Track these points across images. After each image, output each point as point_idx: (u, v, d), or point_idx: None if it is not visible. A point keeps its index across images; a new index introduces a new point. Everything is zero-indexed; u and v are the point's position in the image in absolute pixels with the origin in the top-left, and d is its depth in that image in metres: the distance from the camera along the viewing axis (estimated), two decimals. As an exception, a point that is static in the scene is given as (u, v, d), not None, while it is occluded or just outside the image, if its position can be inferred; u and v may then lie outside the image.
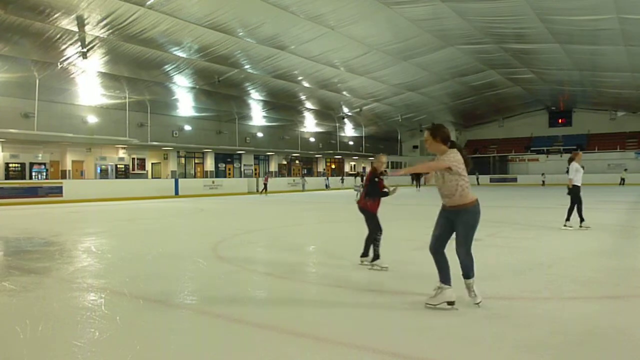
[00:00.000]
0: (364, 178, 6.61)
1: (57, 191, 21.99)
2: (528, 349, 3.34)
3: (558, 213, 14.57)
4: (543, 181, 38.90)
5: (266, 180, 31.11)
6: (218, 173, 35.81)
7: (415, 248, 7.73)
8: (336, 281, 5.59)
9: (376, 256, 6.13)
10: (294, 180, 36.54)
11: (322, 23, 22.33)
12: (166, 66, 25.09)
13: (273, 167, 41.25)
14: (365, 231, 6.30)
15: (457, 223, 4.25)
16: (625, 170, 37.70)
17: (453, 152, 4.22)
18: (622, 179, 36.60)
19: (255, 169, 40.11)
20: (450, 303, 4.21)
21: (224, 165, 37.24)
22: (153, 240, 9.64)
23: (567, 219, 10.11)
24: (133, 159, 30.10)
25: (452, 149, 4.26)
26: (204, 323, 4.08)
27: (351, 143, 45.92)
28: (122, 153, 29.67)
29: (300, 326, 3.93)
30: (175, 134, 31.11)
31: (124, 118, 26.68)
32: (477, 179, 44.11)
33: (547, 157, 46.57)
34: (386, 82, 32.85)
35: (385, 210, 6.98)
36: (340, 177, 41.82)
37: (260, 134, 37.64)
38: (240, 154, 37.98)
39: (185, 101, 30.51)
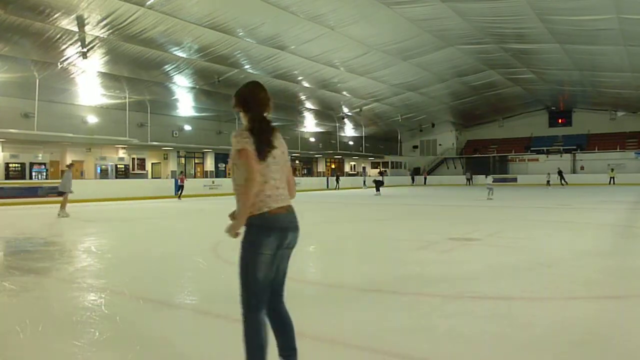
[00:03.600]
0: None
1: (57, 191, 21.94)
2: (528, 349, 3.34)
3: (558, 213, 14.61)
4: (548, 181, 38.68)
5: (182, 181, 25.43)
6: (218, 173, 35.78)
7: (415, 248, 7.72)
8: (336, 281, 5.59)
9: None
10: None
11: (322, 23, 22.32)
12: (166, 66, 25.08)
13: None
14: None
15: None
16: (612, 170, 37.80)
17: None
18: (612, 178, 36.73)
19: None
20: None
21: (224, 165, 37.23)
22: (153, 240, 9.64)
23: None
24: (133, 159, 30.09)
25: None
26: (204, 323, 4.08)
27: (351, 143, 45.90)
28: (122, 153, 29.67)
29: (300, 326, 3.92)
30: (175, 134, 31.09)
31: (124, 118, 26.66)
32: (471, 179, 44.01)
33: (547, 157, 46.55)
34: (386, 82, 32.83)
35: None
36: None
37: (260, 134, 37.55)
38: (240, 154, 37.93)
39: (185, 101, 30.49)
